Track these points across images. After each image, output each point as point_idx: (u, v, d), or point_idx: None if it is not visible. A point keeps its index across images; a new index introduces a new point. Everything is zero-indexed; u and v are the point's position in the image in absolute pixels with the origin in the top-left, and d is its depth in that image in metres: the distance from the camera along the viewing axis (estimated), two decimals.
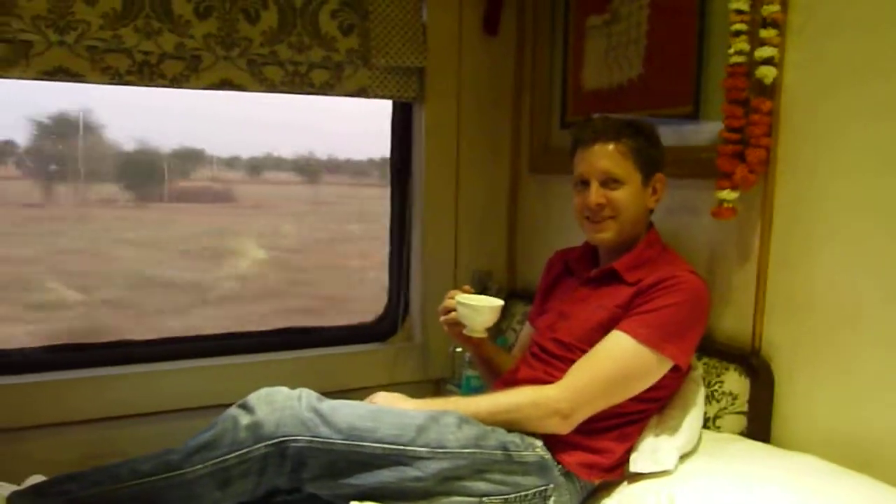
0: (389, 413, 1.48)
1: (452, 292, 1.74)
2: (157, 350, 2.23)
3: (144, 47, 1.97)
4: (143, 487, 1.38)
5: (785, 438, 1.65)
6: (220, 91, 2.10)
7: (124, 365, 2.15)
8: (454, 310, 1.70)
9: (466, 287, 1.75)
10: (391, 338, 2.53)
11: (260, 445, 1.38)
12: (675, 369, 1.56)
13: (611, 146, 1.64)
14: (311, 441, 1.39)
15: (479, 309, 1.67)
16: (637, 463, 1.53)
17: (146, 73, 2.00)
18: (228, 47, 2.06)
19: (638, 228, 1.68)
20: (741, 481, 1.40)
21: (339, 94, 2.25)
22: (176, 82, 2.04)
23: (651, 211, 1.71)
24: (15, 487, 1.44)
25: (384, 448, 1.41)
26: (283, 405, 1.42)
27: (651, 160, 1.65)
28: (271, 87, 2.15)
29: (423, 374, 2.49)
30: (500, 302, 1.69)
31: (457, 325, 1.72)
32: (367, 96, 2.29)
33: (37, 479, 1.47)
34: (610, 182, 1.64)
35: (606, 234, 1.68)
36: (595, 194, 1.64)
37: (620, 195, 1.63)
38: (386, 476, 1.40)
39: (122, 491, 1.38)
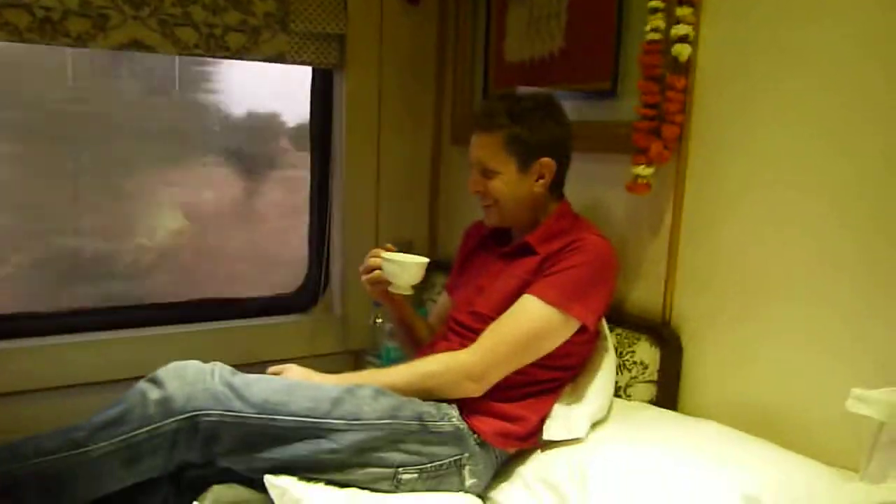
0: (303, 387, 1.47)
1: (375, 250, 1.73)
2: (65, 322, 2.15)
3: (46, 2, 1.86)
4: (47, 465, 1.34)
5: (692, 406, 1.72)
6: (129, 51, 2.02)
7: (29, 337, 2.06)
8: (378, 268, 1.69)
9: (389, 245, 1.74)
10: (311, 309, 2.50)
11: (170, 420, 1.35)
12: (583, 331, 1.60)
13: (484, 136, 1.67)
14: (224, 415, 1.37)
15: (405, 265, 1.66)
16: (550, 430, 1.57)
17: (48, 30, 1.89)
18: (138, 6, 1.97)
19: (528, 212, 1.70)
20: (650, 448, 1.45)
21: (256, 58, 2.19)
22: (80, 41, 1.94)
23: (554, 191, 1.71)
24: None
25: (298, 421, 1.40)
26: (194, 379, 1.39)
27: (529, 148, 1.65)
28: (184, 49, 2.07)
29: (343, 345, 2.47)
30: (426, 259, 1.69)
31: (380, 283, 1.71)
32: (286, 62, 2.23)
33: None
34: (486, 171, 1.67)
35: (491, 219, 1.73)
36: (472, 183, 1.70)
37: (496, 184, 1.66)
38: (301, 449, 1.39)
39: (26, 469, 1.34)
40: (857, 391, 1.15)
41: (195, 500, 1.41)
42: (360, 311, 2.40)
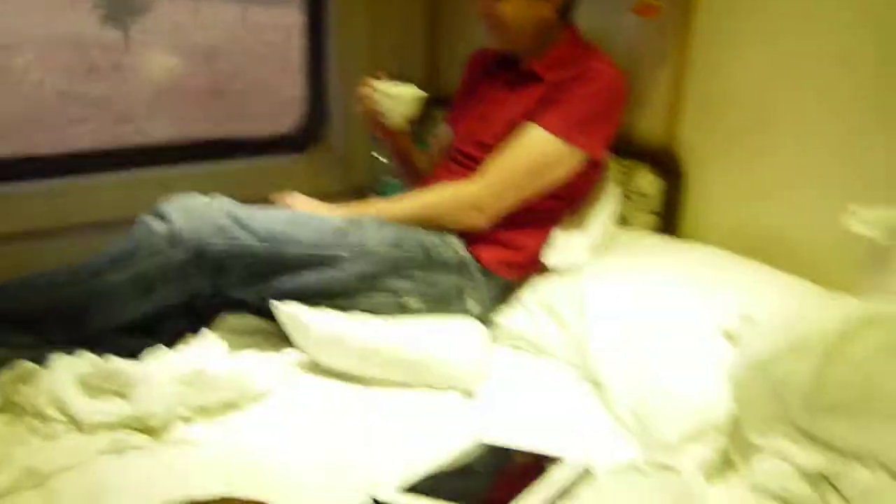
0: (308, 217, 1.49)
1: (367, 80, 1.68)
2: (62, 164, 2.13)
3: None
4: (62, 296, 1.38)
5: (693, 234, 1.73)
6: None
7: (32, 180, 2.06)
8: (371, 99, 1.66)
9: (381, 74, 1.69)
10: (310, 147, 2.47)
11: (178, 251, 1.37)
12: (588, 162, 1.59)
13: None
14: (229, 246, 1.39)
15: (398, 97, 1.63)
16: (550, 258, 1.60)
17: None
18: None
19: (537, 37, 1.63)
20: (648, 273, 1.49)
21: None
22: None
23: (561, 15, 1.64)
24: None
25: (304, 251, 1.43)
26: (198, 212, 1.41)
27: None
28: None
29: (344, 183, 2.46)
30: (421, 92, 1.65)
31: (374, 116, 1.69)
32: None
33: None
34: None
35: (498, 43, 1.66)
36: (481, 5, 1.61)
37: (506, 7, 1.58)
38: (307, 278, 1.43)
39: (40, 300, 1.38)
40: (857, 210, 1.15)
41: (208, 328, 1.46)
42: (361, 147, 2.37)
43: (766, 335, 1.07)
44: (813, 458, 0.98)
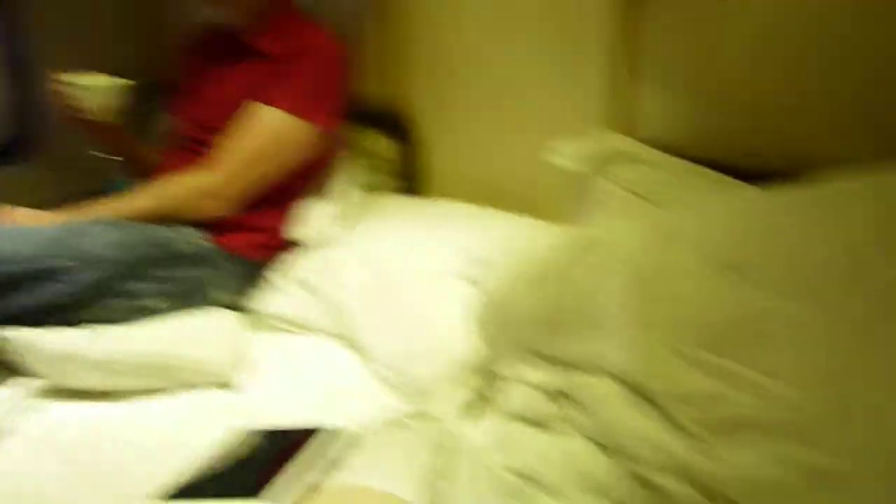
0: (18, 230, 1.34)
1: (57, 75, 1.56)
2: None
3: None
4: None
5: (435, 191, 1.80)
6: None
7: None
8: (67, 95, 1.54)
9: (74, 68, 1.57)
10: (27, 156, 2.23)
11: None
12: (324, 136, 1.58)
13: None
14: None
15: (92, 89, 1.52)
16: (297, 233, 1.58)
17: None
18: None
19: (255, 9, 1.59)
20: (394, 234, 1.52)
21: None
22: None
23: None
24: None
25: (19, 268, 1.29)
26: None
27: None
28: None
29: (71, 188, 2.25)
30: (120, 80, 1.54)
31: (76, 111, 1.56)
32: None
33: None
34: None
35: (216, 16, 1.62)
36: None
37: None
38: (30, 296, 1.30)
39: None
40: (557, 145, 1.25)
41: None
42: (83, 149, 2.18)
43: (499, 273, 1.13)
44: (552, 378, 1.06)
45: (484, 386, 1.19)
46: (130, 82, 1.56)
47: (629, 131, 1.34)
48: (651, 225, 1.05)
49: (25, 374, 1.28)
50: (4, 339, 1.25)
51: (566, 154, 1.23)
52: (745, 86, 1.24)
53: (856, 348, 0.85)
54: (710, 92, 1.28)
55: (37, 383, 1.29)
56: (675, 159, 1.25)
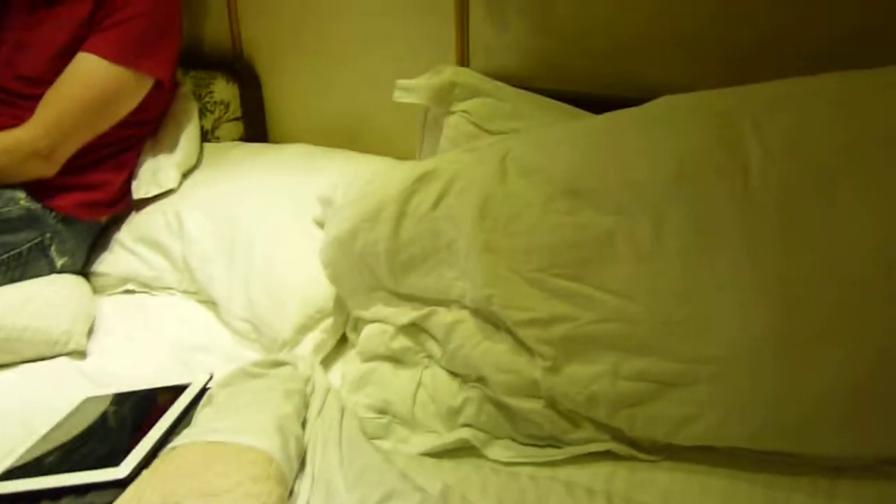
0: None
1: None
2: None
3: None
4: None
5: (280, 135, 1.75)
6: None
7: None
8: None
9: None
10: None
11: None
12: (157, 86, 1.49)
13: None
14: None
15: None
16: (140, 189, 1.50)
17: None
18: None
19: None
20: (240, 181, 1.46)
21: None
22: None
23: None
24: None
25: None
26: None
27: None
28: None
29: None
30: None
31: None
32: None
33: None
34: None
35: None
36: None
37: None
38: None
39: None
40: (401, 82, 1.24)
41: None
42: None
43: (342, 212, 1.12)
44: (406, 314, 1.07)
45: (339, 328, 1.19)
46: None
47: (471, 64, 1.35)
48: (492, 156, 1.07)
49: None
50: None
51: (409, 89, 1.22)
52: (588, 14, 1.26)
53: (678, 263, 0.91)
54: (551, 22, 1.30)
55: None
56: (516, 90, 1.26)
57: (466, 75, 1.25)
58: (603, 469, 0.93)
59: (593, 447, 0.94)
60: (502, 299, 0.95)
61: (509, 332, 0.96)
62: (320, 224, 1.23)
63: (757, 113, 0.94)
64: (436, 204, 1.05)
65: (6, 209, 1.34)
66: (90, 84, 1.40)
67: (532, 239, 0.97)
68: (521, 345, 0.95)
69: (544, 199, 0.99)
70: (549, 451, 0.96)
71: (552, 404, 0.94)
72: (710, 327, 0.87)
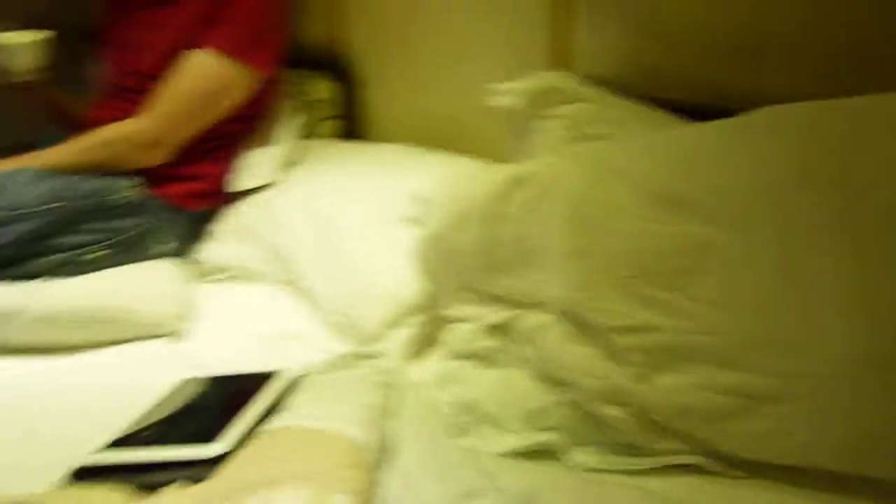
0: None
1: None
2: None
3: None
4: None
5: (377, 135, 1.78)
6: None
7: None
8: None
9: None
10: None
11: None
12: (264, 81, 1.55)
13: None
14: None
15: (7, 47, 1.45)
16: (240, 181, 1.56)
17: None
18: None
19: None
20: (337, 177, 1.51)
21: None
22: None
23: None
24: None
25: None
26: None
27: None
28: None
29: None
30: (38, 33, 1.47)
31: None
32: None
33: None
34: None
35: None
36: None
37: None
38: None
39: None
40: (498, 86, 1.25)
41: None
42: (8, 104, 2.10)
43: (437, 210, 1.14)
44: (494, 314, 1.08)
45: (428, 325, 1.21)
46: (50, 34, 1.49)
47: (569, 68, 1.34)
48: (588, 161, 1.06)
49: None
50: None
51: (505, 93, 1.23)
52: (689, 20, 1.24)
53: (776, 275, 0.89)
54: (651, 27, 1.28)
55: None
56: (614, 96, 1.25)
57: (564, 80, 1.25)
58: (687, 482, 0.91)
59: (679, 459, 0.92)
60: (594, 304, 0.95)
61: (599, 337, 0.96)
62: (415, 222, 1.25)
63: (859, 128, 0.91)
64: (529, 206, 1.05)
65: (116, 196, 1.42)
66: (202, 77, 1.47)
67: (626, 245, 0.97)
68: (611, 351, 0.95)
69: (640, 206, 0.98)
70: (633, 460, 0.95)
71: (640, 413, 0.93)
72: (810, 342, 0.85)
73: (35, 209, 1.31)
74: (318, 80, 1.75)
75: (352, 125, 1.79)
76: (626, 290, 0.95)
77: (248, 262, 1.49)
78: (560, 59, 1.40)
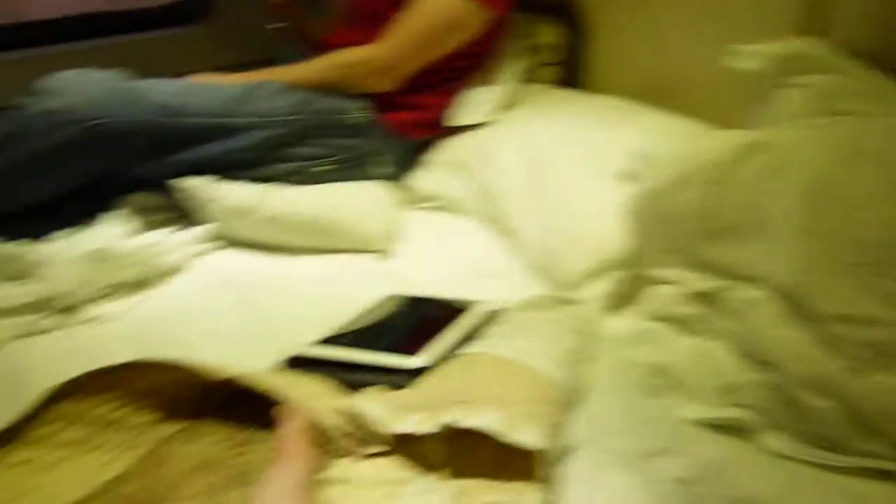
0: (204, 87, 1.44)
1: None
2: None
3: None
4: None
5: (596, 86, 1.75)
6: None
7: None
8: None
9: None
10: (201, 19, 2.34)
11: (71, 129, 1.31)
12: (495, 20, 1.57)
13: None
14: (126, 121, 1.34)
15: None
16: (458, 116, 1.60)
17: None
18: None
19: None
20: (554, 125, 1.51)
21: None
22: None
23: None
24: None
25: (203, 122, 1.39)
26: (89, 86, 1.34)
27: None
28: None
29: (238, 56, 2.35)
30: None
31: None
32: None
33: None
34: None
35: None
36: None
37: None
38: (208, 150, 1.40)
39: None
40: (739, 47, 1.18)
41: (112, 208, 1.43)
42: (254, 18, 2.26)
43: (658, 169, 1.11)
44: (702, 282, 1.05)
45: (628, 282, 1.20)
46: None
47: (821, 34, 1.25)
48: (835, 138, 0.99)
49: (201, 222, 1.41)
50: (181, 185, 1.37)
51: (749, 56, 1.16)
52: None
53: None
54: None
55: (204, 230, 1.40)
56: (869, 71, 1.15)
57: (815, 47, 1.16)
58: (886, 491, 0.86)
59: (881, 464, 0.87)
60: (818, 288, 0.90)
61: (816, 322, 0.91)
62: (629, 177, 1.24)
63: None
64: (761, 176, 1.00)
65: (347, 116, 1.50)
66: (439, 11, 1.51)
67: (867, 232, 0.90)
68: (826, 339, 0.90)
69: (886, 192, 0.91)
70: (830, 455, 0.90)
71: (847, 408, 0.88)
72: None
73: (277, 119, 1.43)
74: (545, 24, 1.74)
75: (572, 74, 1.77)
76: (857, 279, 0.89)
77: (456, 195, 1.53)
78: (812, 24, 1.30)
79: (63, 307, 1.17)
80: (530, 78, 1.75)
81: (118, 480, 0.82)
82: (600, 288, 1.17)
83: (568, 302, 1.07)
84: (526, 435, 0.73)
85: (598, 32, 1.73)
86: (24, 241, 1.25)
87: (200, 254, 1.36)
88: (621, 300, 1.18)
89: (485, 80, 1.64)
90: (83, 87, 1.34)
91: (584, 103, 1.60)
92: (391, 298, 1.21)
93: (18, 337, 1.12)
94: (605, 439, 0.86)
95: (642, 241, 1.15)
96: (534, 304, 1.06)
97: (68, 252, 1.23)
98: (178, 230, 1.39)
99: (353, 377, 0.97)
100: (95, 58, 2.10)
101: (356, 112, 1.51)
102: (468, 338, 1.04)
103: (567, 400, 0.90)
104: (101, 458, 0.86)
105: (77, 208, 1.42)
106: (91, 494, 0.80)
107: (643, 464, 0.84)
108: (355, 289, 1.27)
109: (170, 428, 0.91)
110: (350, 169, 1.51)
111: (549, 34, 1.73)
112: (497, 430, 0.74)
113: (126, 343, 1.11)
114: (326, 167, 1.48)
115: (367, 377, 0.96)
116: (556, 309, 1.04)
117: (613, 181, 1.28)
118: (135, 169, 1.41)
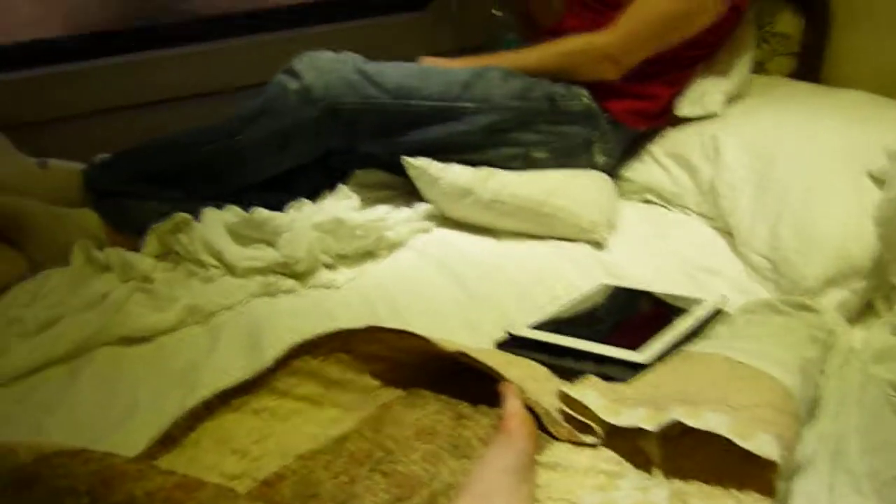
0: (435, 71, 1.48)
1: None
2: (188, 31, 2.19)
3: None
4: (203, 155, 1.44)
5: (836, 78, 1.62)
6: None
7: (160, 48, 2.13)
8: None
9: None
10: (426, 5, 2.42)
11: (311, 108, 1.41)
12: (730, 10, 1.49)
13: None
14: (361, 102, 1.41)
15: None
16: (683, 107, 1.54)
17: None
18: None
19: None
20: (788, 119, 1.41)
21: None
22: None
23: None
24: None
25: (432, 105, 1.43)
26: (329, 68, 1.43)
27: None
28: None
29: (463, 41, 2.42)
30: None
31: None
32: None
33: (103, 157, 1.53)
34: None
35: None
36: None
37: None
38: (436, 132, 1.44)
39: (183, 159, 1.45)
40: None
41: (342, 183, 1.52)
42: (478, 3, 2.31)
43: None
44: None
45: (870, 292, 1.10)
46: None
47: None
48: None
49: (423, 200, 1.46)
50: (408, 164, 1.43)
51: None
52: None
53: None
54: None
55: (427, 209, 1.46)
56: None
57: None
58: None
59: None
60: None
61: None
62: (878, 179, 1.13)
63: None
64: None
65: (572, 103, 1.49)
66: (672, 1, 1.45)
67: None
68: None
69: None
70: None
71: None
72: None
73: (501, 104, 1.45)
74: (784, 11, 1.62)
75: (808, 65, 1.64)
76: None
77: (676, 189, 1.48)
78: None
79: (298, 272, 1.26)
80: (763, 69, 1.65)
81: (343, 438, 0.87)
82: (839, 296, 1.09)
83: (807, 308, 0.99)
84: (762, 443, 0.69)
85: (841, 21, 1.59)
86: (262, 211, 1.35)
87: (421, 231, 1.41)
88: (860, 311, 1.08)
89: (714, 70, 1.56)
90: (321, 69, 1.43)
91: (820, 96, 1.48)
92: (606, 288, 1.19)
93: (261, 295, 1.22)
94: (841, 460, 0.79)
95: (891, 249, 1.05)
96: (766, 307, 1.00)
97: (304, 222, 1.32)
98: (401, 207, 1.46)
99: (567, 364, 0.97)
100: (328, 42, 2.25)
101: (580, 99, 1.50)
102: (691, 336, 1.00)
103: (806, 412, 0.84)
104: (331, 414, 0.92)
105: (309, 181, 1.53)
106: (319, 449, 0.86)
107: (885, 489, 0.77)
108: (570, 276, 1.27)
109: (390, 394, 0.96)
110: (569, 156, 1.50)
111: (787, 23, 1.62)
112: (728, 434, 0.71)
113: (349, 309, 1.19)
114: (546, 154, 1.48)
115: (583, 365, 0.95)
116: (791, 314, 0.98)
117: (858, 183, 1.18)
118: (363, 147, 1.49)
